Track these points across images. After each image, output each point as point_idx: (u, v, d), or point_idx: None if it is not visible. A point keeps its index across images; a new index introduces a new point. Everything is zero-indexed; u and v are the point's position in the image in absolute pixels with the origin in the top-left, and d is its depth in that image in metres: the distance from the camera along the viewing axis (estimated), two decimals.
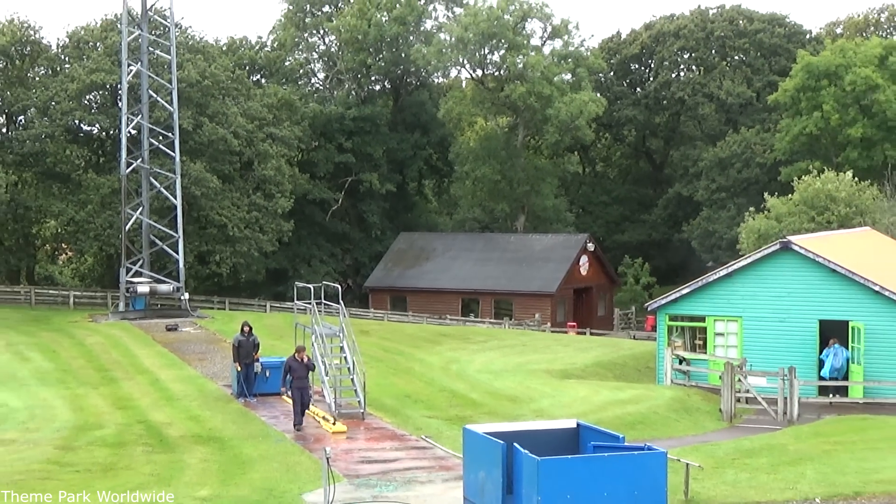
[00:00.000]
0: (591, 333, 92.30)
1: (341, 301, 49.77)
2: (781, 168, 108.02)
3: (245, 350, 48.47)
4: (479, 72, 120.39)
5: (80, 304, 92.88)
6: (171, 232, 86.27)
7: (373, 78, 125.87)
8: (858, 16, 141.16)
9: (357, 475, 32.49)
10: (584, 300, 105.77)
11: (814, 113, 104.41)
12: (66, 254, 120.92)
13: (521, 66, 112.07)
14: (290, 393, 41.02)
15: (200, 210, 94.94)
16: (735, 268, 59.54)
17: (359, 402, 44.21)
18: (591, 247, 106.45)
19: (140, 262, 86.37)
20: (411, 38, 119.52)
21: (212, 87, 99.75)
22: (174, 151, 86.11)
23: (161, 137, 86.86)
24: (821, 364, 55.49)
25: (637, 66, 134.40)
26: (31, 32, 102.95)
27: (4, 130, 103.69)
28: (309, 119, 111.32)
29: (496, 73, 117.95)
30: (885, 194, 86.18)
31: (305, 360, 41.15)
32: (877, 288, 55.04)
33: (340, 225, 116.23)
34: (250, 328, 49.91)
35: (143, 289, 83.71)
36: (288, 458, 36.60)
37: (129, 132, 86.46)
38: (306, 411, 44.86)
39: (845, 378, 54.82)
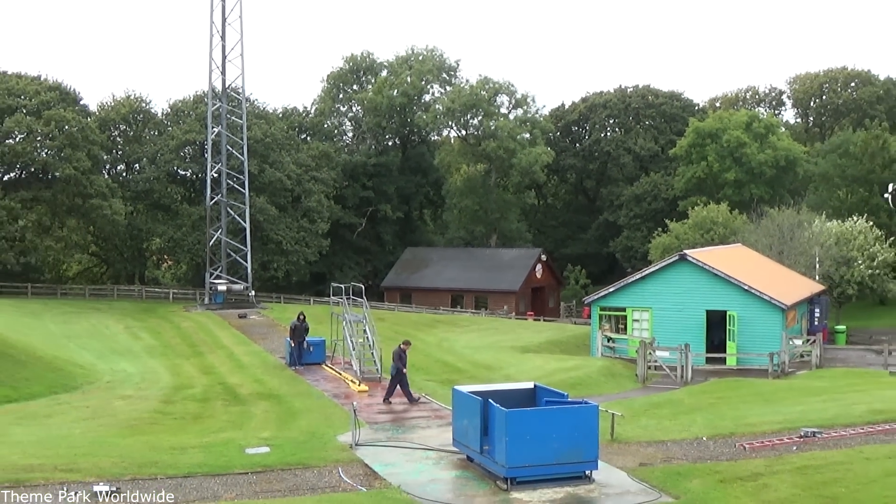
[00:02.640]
0: (544, 320, 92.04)
1: (364, 297, 49.78)
2: (679, 201, 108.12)
3: (298, 332, 48.52)
4: (464, 132, 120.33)
5: (177, 298, 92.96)
6: (241, 247, 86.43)
7: (387, 136, 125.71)
8: (732, 94, 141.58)
9: (376, 422, 32.41)
10: (539, 296, 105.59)
11: (701, 162, 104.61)
12: (167, 262, 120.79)
13: (493, 127, 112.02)
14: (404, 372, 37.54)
15: (263, 231, 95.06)
16: (647, 273, 59.77)
17: (377, 369, 44.07)
18: (544, 258, 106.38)
19: (219, 268, 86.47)
20: (415, 107, 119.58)
21: (271, 143, 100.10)
22: (244, 189, 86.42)
23: (235, 179, 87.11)
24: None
25: (576, 128, 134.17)
26: (143, 104, 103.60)
27: (125, 175, 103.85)
28: (341, 165, 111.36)
29: (475, 133, 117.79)
30: (751, 220, 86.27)
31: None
32: (746, 287, 55.44)
33: (364, 242, 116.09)
34: (304, 316, 49.99)
35: (222, 288, 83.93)
36: (326, 410, 36.53)
37: (212, 175, 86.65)
38: (342, 375, 44.82)
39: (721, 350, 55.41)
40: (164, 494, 22.28)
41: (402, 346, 37.63)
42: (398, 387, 36.84)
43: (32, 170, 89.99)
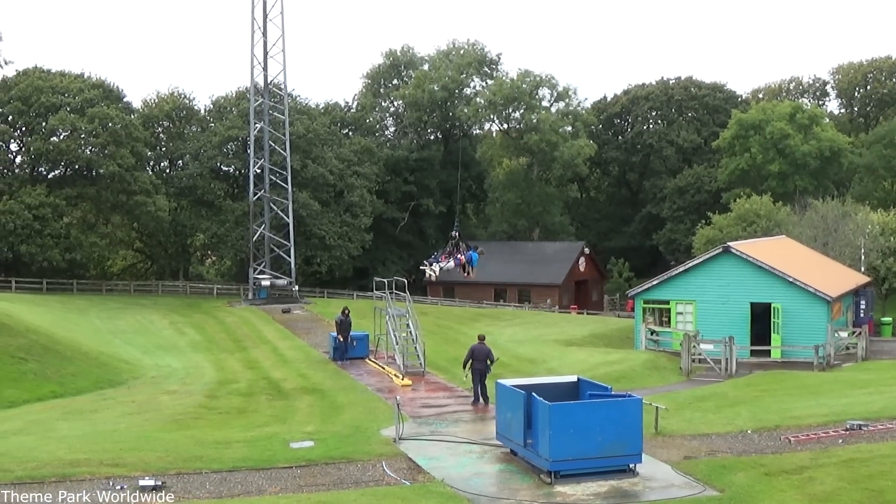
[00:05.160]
0: (588, 313, 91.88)
1: (407, 291, 49.81)
2: (722, 193, 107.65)
3: (344, 326, 48.64)
4: (505, 125, 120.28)
5: (221, 294, 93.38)
6: (285, 242, 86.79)
7: (428, 130, 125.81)
8: (774, 85, 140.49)
9: (419, 416, 32.46)
10: (583, 289, 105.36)
11: (744, 154, 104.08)
12: (211, 258, 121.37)
13: (535, 121, 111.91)
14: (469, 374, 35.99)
15: (306, 226, 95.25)
16: (690, 265, 59.58)
17: (420, 363, 44.17)
18: (587, 251, 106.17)
19: (263, 263, 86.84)
20: (456, 101, 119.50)
21: (314, 138, 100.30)
22: (287, 184, 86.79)
23: (278, 174, 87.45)
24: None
25: (619, 121, 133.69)
26: (186, 101, 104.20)
27: (168, 171, 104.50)
28: (383, 160, 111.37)
29: (517, 126, 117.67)
30: (794, 212, 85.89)
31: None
32: (790, 279, 55.13)
33: (406, 236, 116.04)
34: (348, 311, 50.14)
35: (266, 283, 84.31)
36: (369, 404, 36.62)
37: (255, 171, 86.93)
38: (385, 369, 44.83)
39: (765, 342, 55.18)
40: (209, 488, 22.44)
41: (478, 342, 36.43)
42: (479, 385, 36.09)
43: (77, 167, 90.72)
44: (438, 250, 47.43)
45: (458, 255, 45.73)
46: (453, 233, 47.52)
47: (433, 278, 47.85)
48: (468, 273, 47.98)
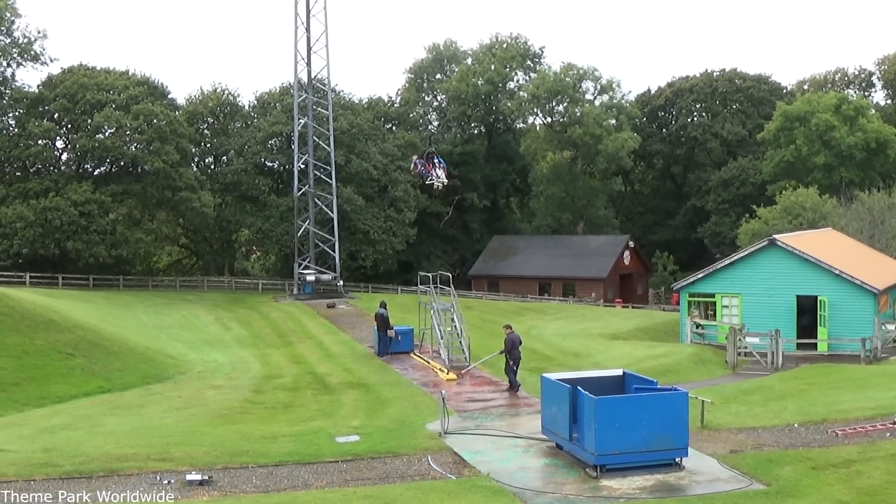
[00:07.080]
0: (633, 307, 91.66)
1: (451, 285, 49.77)
2: (767, 186, 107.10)
3: (385, 320, 48.57)
4: (549, 119, 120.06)
5: (266, 289, 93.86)
6: (329, 237, 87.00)
7: (472, 124, 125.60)
8: (820, 76, 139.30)
9: (464, 410, 32.43)
10: (628, 283, 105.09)
11: (790, 146, 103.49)
12: (256, 253, 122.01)
13: (578, 114, 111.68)
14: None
15: (350, 221, 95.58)
16: (736, 258, 59.32)
17: (465, 357, 44.05)
18: (631, 244, 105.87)
19: (308, 258, 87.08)
20: (499, 95, 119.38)
21: (358, 133, 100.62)
22: (331, 180, 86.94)
23: (322, 170, 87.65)
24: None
25: (663, 113, 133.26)
26: (231, 97, 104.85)
27: (213, 167, 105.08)
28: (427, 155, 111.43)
29: (561, 120, 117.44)
30: (841, 204, 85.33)
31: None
32: (837, 272, 54.83)
33: (450, 230, 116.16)
34: (385, 305, 50.04)
35: (311, 278, 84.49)
36: (414, 398, 36.60)
37: (299, 167, 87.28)
38: (430, 363, 44.83)
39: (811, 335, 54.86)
40: (256, 483, 22.54)
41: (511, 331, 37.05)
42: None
43: (122, 164, 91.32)
44: (418, 163, 55.82)
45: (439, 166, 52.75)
46: (430, 148, 55.73)
47: (441, 186, 56.92)
48: (448, 175, 54.97)
